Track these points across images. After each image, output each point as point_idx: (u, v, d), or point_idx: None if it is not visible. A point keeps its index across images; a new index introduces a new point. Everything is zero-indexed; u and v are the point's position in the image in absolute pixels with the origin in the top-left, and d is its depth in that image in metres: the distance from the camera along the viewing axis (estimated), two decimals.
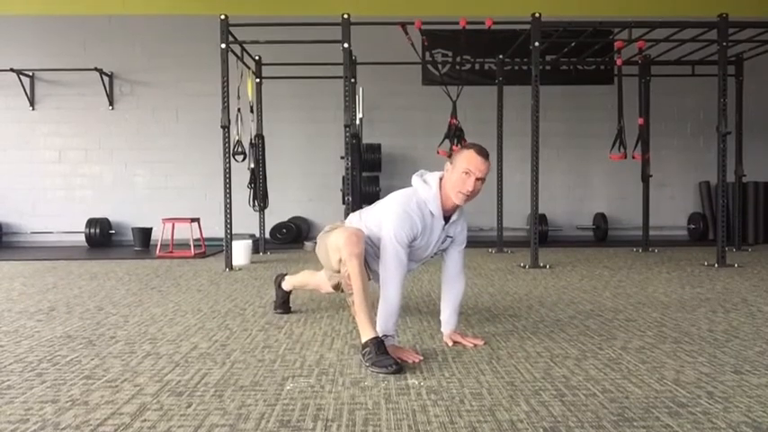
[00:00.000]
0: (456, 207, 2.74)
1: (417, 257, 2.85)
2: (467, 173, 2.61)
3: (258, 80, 7.79)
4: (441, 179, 2.73)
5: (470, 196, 2.65)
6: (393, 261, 2.63)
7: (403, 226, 2.64)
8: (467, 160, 2.63)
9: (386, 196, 2.89)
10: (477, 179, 2.63)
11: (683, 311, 3.64)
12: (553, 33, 7.21)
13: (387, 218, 2.69)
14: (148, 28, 9.33)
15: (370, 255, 2.86)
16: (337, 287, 3.28)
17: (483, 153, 2.65)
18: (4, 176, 9.36)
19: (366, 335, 2.52)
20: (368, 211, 2.96)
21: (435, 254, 2.89)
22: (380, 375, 2.35)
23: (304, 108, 9.32)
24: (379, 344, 2.47)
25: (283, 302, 3.64)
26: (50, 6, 9.32)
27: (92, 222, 8.93)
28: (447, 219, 2.76)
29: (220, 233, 6.25)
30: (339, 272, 2.80)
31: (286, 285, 3.62)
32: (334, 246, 2.78)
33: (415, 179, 2.78)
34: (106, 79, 9.24)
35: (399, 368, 2.39)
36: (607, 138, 7.86)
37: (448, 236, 2.81)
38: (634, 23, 6.57)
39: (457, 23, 6.26)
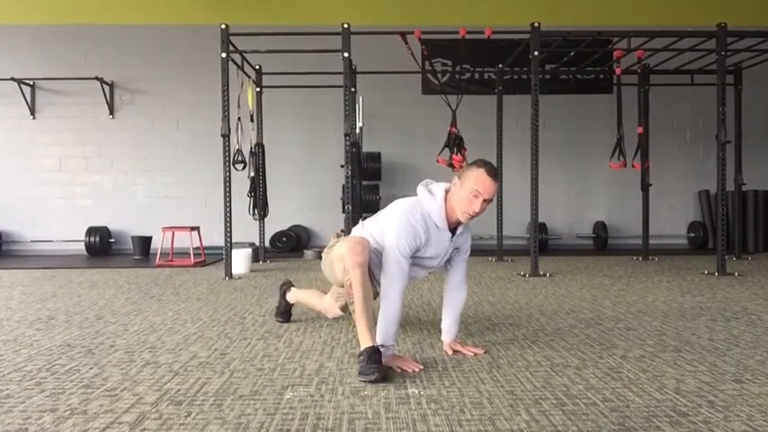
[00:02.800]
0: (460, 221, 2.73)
1: (426, 266, 2.84)
2: (475, 194, 2.59)
3: (258, 89, 7.82)
4: (446, 191, 2.70)
5: (475, 216, 2.65)
6: (394, 271, 2.62)
7: (406, 236, 2.63)
8: (476, 181, 2.59)
9: (390, 205, 2.87)
10: (485, 200, 2.61)
11: (684, 320, 3.63)
12: (552, 43, 7.24)
13: (390, 227, 2.68)
14: (149, 37, 9.37)
15: (375, 264, 2.84)
16: (345, 308, 3.22)
17: (493, 174, 2.61)
18: (4, 185, 9.36)
19: (364, 343, 2.52)
20: (371, 221, 2.96)
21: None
22: (381, 384, 2.35)
23: (304, 117, 9.34)
24: (371, 353, 2.45)
25: (285, 312, 3.62)
26: (51, 16, 9.36)
27: (92, 231, 8.93)
28: (453, 230, 2.76)
29: (220, 242, 6.25)
30: (343, 285, 2.80)
31: (291, 298, 3.59)
32: (339, 255, 2.79)
33: (421, 189, 2.75)
34: (107, 88, 9.26)
35: (383, 377, 2.38)
36: (607, 146, 7.88)
37: (455, 247, 2.81)
38: (633, 33, 6.60)
39: (457, 33, 6.28)
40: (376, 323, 2.60)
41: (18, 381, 2.43)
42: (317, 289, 3.65)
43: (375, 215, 3.00)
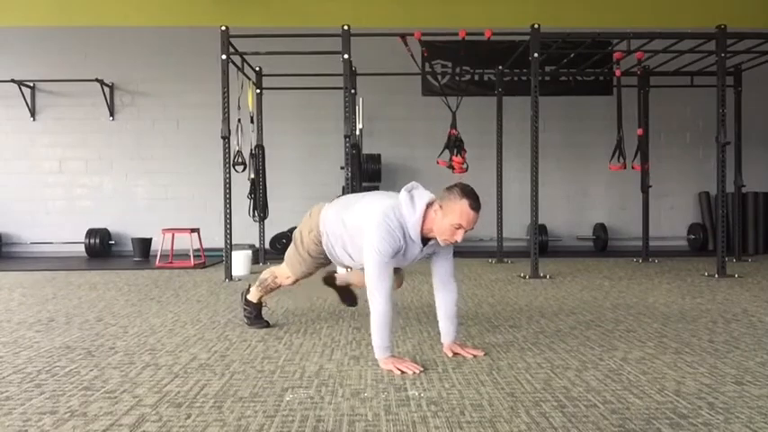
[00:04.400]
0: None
1: (399, 264, 2.85)
2: (458, 227, 2.58)
3: (258, 91, 7.82)
4: (428, 204, 2.66)
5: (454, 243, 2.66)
6: (378, 274, 2.61)
7: (387, 240, 2.61)
8: (460, 215, 2.56)
9: (367, 199, 2.86)
10: (466, 231, 2.62)
11: (684, 322, 3.63)
12: (552, 44, 7.24)
13: (369, 230, 2.66)
14: (149, 39, 9.37)
15: (336, 246, 2.94)
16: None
17: (476, 207, 2.58)
18: (4, 187, 9.36)
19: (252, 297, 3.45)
20: (347, 209, 2.91)
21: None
22: (380, 386, 2.35)
23: (304, 118, 9.34)
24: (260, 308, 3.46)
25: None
26: (51, 18, 9.36)
27: (92, 233, 8.93)
28: (426, 241, 2.74)
29: (220, 243, 6.24)
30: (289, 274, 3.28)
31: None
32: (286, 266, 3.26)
33: (404, 195, 2.71)
34: (107, 90, 9.27)
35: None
36: (606, 148, 7.88)
37: (428, 253, 2.81)
38: (633, 34, 6.60)
39: (456, 35, 6.29)
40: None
41: (18, 383, 2.43)
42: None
43: (350, 202, 2.99)
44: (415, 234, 2.67)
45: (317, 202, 3.30)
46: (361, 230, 2.74)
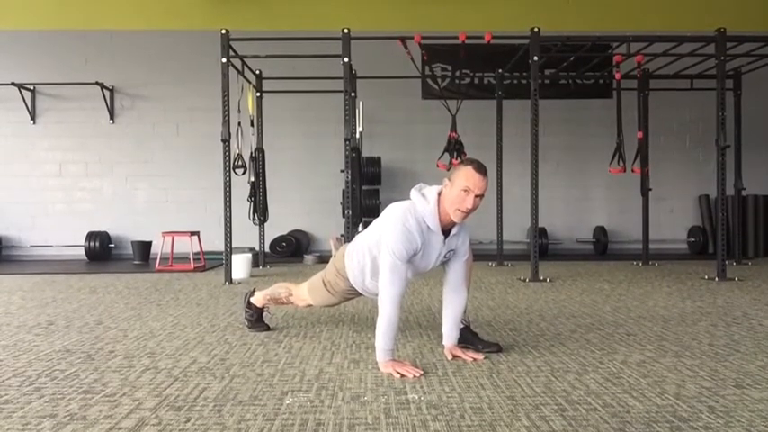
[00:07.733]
0: (455, 222, 2.73)
1: (419, 270, 2.83)
2: (466, 190, 2.60)
3: (258, 94, 7.82)
4: (439, 194, 2.71)
5: (469, 213, 2.65)
6: (392, 275, 2.62)
7: (402, 241, 2.63)
8: (465, 178, 2.62)
9: (384, 210, 2.87)
10: (476, 196, 2.62)
11: (684, 325, 3.63)
12: (552, 48, 7.24)
13: (386, 233, 2.69)
14: (149, 43, 9.38)
15: (367, 274, 2.89)
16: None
17: (481, 170, 2.64)
18: (4, 190, 9.36)
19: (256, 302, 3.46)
20: (366, 230, 2.96)
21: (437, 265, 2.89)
22: (380, 389, 2.35)
23: (304, 122, 9.35)
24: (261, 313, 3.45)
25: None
26: (52, 21, 9.38)
27: (91, 236, 8.92)
28: (447, 233, 2.75)
29: (220, 247, 6.24)
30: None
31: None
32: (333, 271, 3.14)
33: (414, 193, 2.76)
34: (107, 93, 9.28)
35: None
36: (606, 151, 7.87)
37: (450, 249, 2.80)
38: (632, 38, 6.61)
39: (456, 38, 6.30)
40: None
41: (17, 386, 2.43)
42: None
43: (368, 227, 3.00)
44: (433, 223, 2.68)
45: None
46: (379, 245, 2.75)
